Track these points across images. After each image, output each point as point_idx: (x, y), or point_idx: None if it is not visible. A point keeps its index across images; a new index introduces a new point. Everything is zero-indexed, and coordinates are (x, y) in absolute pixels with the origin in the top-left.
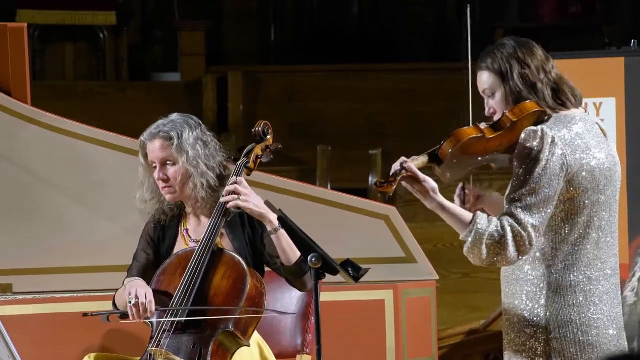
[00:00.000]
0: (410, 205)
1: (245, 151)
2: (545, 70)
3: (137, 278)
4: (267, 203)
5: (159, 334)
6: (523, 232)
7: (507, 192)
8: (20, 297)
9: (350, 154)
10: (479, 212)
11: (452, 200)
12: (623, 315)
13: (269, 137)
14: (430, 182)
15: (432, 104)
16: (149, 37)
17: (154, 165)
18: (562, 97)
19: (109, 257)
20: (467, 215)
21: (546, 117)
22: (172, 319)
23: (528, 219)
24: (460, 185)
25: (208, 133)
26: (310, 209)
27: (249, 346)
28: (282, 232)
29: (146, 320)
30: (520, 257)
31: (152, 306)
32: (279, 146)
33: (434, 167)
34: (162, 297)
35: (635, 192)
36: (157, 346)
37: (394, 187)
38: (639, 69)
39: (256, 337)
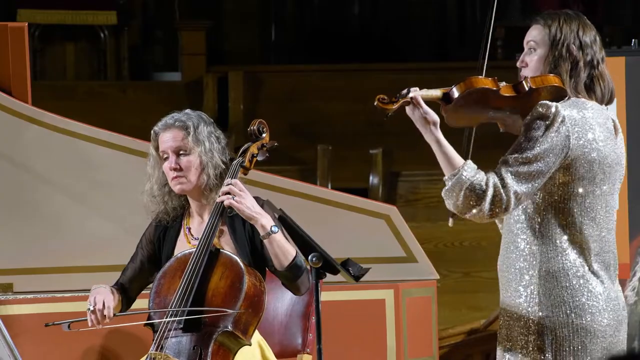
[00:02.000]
0: (411, 205)
1: (240, 150)
2: (594, 55)
3: (102, 285)
4: (268, 203)
5: (160, 336)
6: (504, 195)
7: (507, 152)
8: (21, 296)
9: (350, 154)
10: (469, 161)
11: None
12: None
13: (264, 135)
14: (432, 115)
15: (432, 103)
16: (149, 37)
17: (165, 156)
18: (595, 87)
19: (110, 257)
20: (458, 160)
21: (566, 97)
22: (169, 319)
23: (514, 185)
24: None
25: (219, 130)
26: (311, 209)
27: (250, 345)
28: (274, 237)
29: (106, 326)
30: (490, 217)
31: (110, 312)
32: (274, 144)
33: (441, 105)
34: (162, 301)
35: (635, 191)
36: (158, 349)
37: (394, 108)
38: (639, 68)
39: (256, 337)
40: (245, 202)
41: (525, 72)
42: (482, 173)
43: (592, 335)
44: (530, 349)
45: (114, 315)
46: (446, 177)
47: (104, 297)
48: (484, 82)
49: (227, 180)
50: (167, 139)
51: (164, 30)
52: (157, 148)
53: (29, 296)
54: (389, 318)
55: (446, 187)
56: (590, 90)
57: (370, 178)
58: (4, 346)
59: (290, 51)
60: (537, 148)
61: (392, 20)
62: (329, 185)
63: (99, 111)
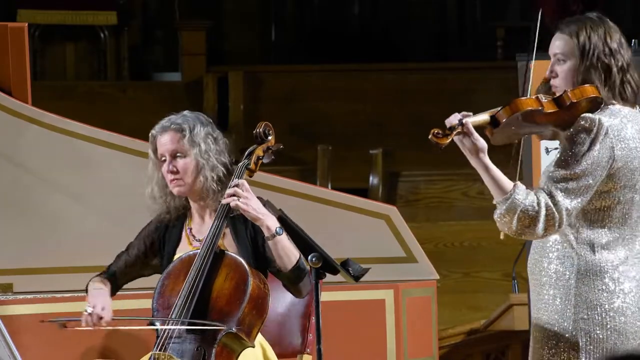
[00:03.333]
0: (411, 205)
1: (246, 152)
2: (624, 58)
3: (101, 287)
4: (268, 203)
5: (163, 338)
6: (556, 213)
7: (550, 168)
8: (21, 296)
9: (351, 154)
10: (519, 183)
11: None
12: None
13: (270, 138)
14: (481, 142)
15: (433, 103)
16: (149, 37)
17: (163, 158)
18: (630, 89)
19: (110, 257)
20: (508, 183)
21: (602, 106)
22: (173, 327)
23: (565, 202)
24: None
25: (217, 131)
26: (311, 209)
27: (253, 347)
28: (279, 238)
29: (100, 327)
30: (545, 235)
31: (109, 316)
32: (280, 146)
33: (486, 127)
34: (166, 302)
35: None
36: (161, 350)
37: (449, 140)
38: (639, 68)
39: (258, 338)
40: (251, 204)
41: (556, 82)
42: (532, 194)
43: (625, 337)
44: (564, 349)
45: (112, 319)
46: (497, 201)
47: (104, 301)
48: (528, 103)
49: (234, 181)
50: (164, 141)
51: (164, 30)
52: (155, 151)
53: (28, 296)
54: (389, 318)
55: (499, 212)
56: (625, 92)
57: (370, 178)
58: (4, 346)
59: (290, 51)
60: (584, 163)
61: (392, 20)
62: (329, 186)
63: (99, 111)
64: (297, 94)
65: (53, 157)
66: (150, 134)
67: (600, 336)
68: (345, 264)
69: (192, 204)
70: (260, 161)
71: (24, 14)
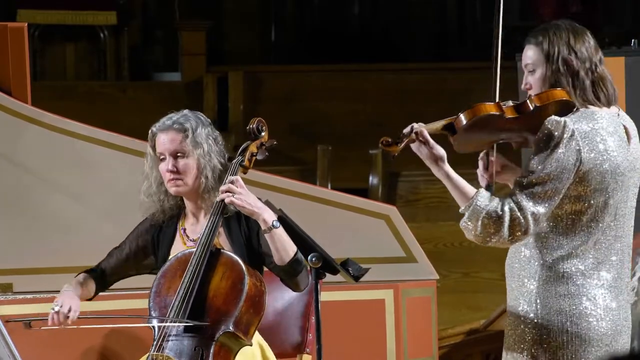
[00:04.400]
0: (411, 205)
1: (240, 149)
2: (591, 60)
3: (70, 288)
4: (268, 202)
5: (160, 338)
6: (521, 218)
7: (520, 174)
8: (21, 296)
9: (350, 154)
10: (481, 189)
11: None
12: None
13: (263, 134)
14: (439, 150)
15: (433, 103)
16: (149, 37)
17: (162, 157)
18: (598, 92)
19: None
20: (470, 190)
21: (574, 109)
22: (170, 324)
23: (530, 206)
24: (485, 151)
25: (217, 131)
26: (311, 209)
27: (251, 345)
28: (276, 231)
29: (67, 327)
30: (512, 241)
31: (75, 316)
32: (273, 142)
33: (447, 135)
34: (163, 300)
35: None
36: (159, 350)
37: (400, 148)
38: (639, 68)
39: (257, 337)
40: (246, 199)
41: (531, 93)
42: (497, 199)
43: (587, 343)
44: (527, 355)
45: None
46: (462, 209)
47: (72, 301)
48: (487, 108)
49: (228, 178)
50: (165, 140)
51: (164, 30)
52: (154, 148)
53: (28, 296)
54: (388, 318)
55: (464, 219)
56: (597, 96)
57: (370, 178)
58: (3, 346)
59: (290, 51)
60: (549, 166)
61: (392, 20)
62: (329, 185)
63: (99, 111)
64: (297, 94)
65: (53, 157)
66: (150, 131)
67: (560, 342)
68: (345, 264)
69: (187, 204)
70: (254, 158)
71: (24, 14)
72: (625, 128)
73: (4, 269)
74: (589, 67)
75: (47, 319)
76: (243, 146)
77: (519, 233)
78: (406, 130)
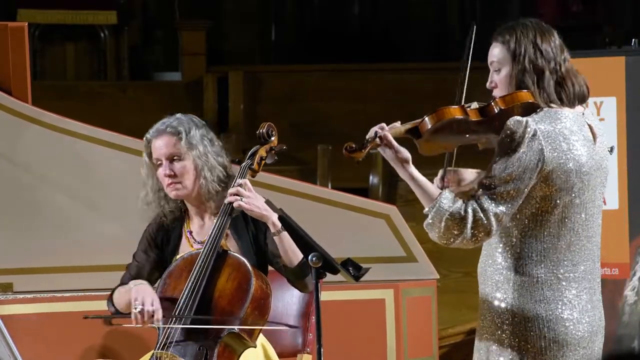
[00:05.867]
0: (411, 205)
1: (249, 153)
2: (556, 60)
3: (143, 282)
4: (268, 202)
5: (165, 337)
6: (484, 219)
7: (481, 174)
8: (21, 296)
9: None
10: (445, 190)
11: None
12: (622, 315)
13: (273, 138)
14: (404, 153)
15: (433, 103)
16: (149, 37)
17: (159, 162)
18: (562, 92)
19: (110, 257)
20: (435, 191)
21: (538, 110)
22: (176, 326)
23: (492, 207)
24: (441, 173)
25: (211, 132)
26: (311, 209)
27: (255, 347)
28: (285, 234)
29: (151, 325)
30: (475, 242)
31: (159, 314)
32: (283, 147)
33: (412, 138)
34: (168, 301)
35: (635, 191)
36: (163, 349)
37: (364, 153)
38: (639, 68)
39: (260, 338)
40: (255, 202)
41: (496, 93)
42: (460, 200)
43: (565, 348)
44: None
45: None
46: (426, 210)
47: (152, 298)
48: (452, 112)
49: (237, 181)
50: (160, 145)
51: (164, 30)
52: (150, 155)
53: (28, 296)
54: (389, 318)
55: (427, 220)
56: (561, 96)
57: (370, 178)
58: (4, 346)
59: (290, 51)
60: (512, 167)
61: (392, 20)
62: (329, 185)
63: (99, 111)
64: (297, 94)
65: (53, 157)
66: (144, 138)
67: (538, 347)
68: (345, 263)
69: (189, 206)
70: (263, 161)
71: (24, 13)
72: (591, 127)
73: (4, 268)
74: (554, 67)
75: (129, 317)
76: (252, 150)
77: (482, 234)
78: (370, 135)
